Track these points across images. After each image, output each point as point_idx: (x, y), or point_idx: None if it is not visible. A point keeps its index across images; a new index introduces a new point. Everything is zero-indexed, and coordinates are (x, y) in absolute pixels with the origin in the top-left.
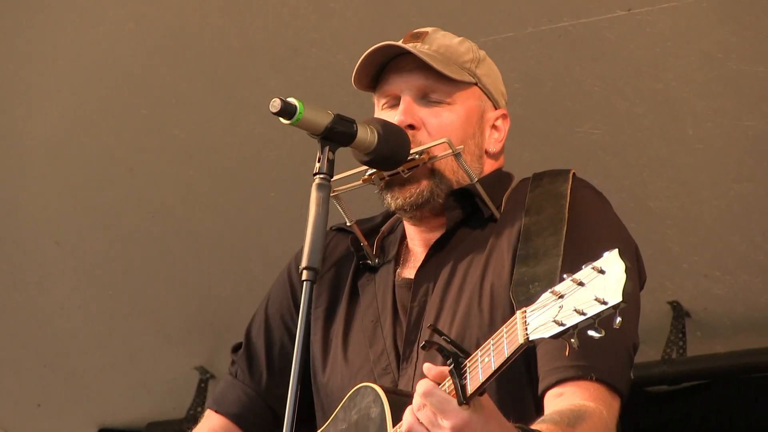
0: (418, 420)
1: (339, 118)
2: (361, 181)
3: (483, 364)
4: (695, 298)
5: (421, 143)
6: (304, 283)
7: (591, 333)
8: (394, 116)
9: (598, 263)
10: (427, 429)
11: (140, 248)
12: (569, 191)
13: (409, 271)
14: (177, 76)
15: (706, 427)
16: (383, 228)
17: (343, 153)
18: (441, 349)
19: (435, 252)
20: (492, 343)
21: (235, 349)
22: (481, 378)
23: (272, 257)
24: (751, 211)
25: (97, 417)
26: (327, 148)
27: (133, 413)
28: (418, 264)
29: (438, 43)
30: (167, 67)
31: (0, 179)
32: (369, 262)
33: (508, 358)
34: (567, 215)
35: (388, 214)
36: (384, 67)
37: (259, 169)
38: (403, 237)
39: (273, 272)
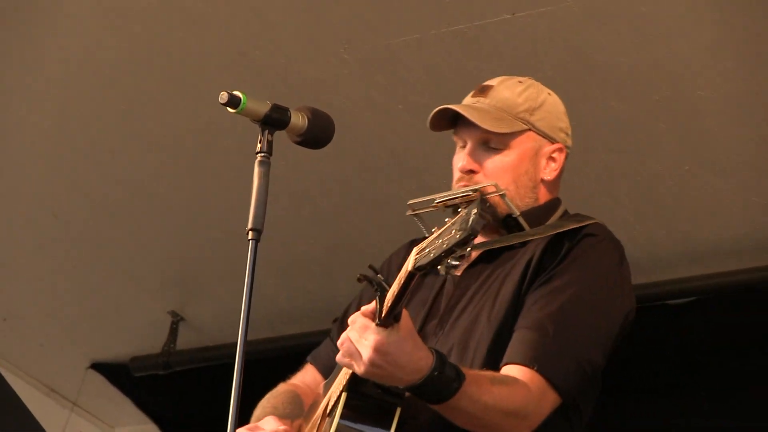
0: (349, 339)
1: (275, 107)
2: (431, 207)
3: (391, 293)
4: None
5: (478, 184)
6: (250, 242)
7: (452, 261)
8: (462, 157)
9: (463, 210)
10: (354, 345)
11: (121, 218)
12: (575, 226)
13: (462, 268)
14: (147, 77)
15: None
16: None
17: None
18: (366, 279)
19: (481, 260)
20: (398, 276)
21: (335, 320)
22: (389, 304)
23: (227, 223)
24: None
25: (90, 354)
26: (266, 132)
27: (118, 350)
28: (469, 263)
29: (498, 97)
30: (139, 69)
31: (6, 163)
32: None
33: (404, 284)
34: (551, 236)
35: None
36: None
37: (215, 151)
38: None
39: (228, 235)
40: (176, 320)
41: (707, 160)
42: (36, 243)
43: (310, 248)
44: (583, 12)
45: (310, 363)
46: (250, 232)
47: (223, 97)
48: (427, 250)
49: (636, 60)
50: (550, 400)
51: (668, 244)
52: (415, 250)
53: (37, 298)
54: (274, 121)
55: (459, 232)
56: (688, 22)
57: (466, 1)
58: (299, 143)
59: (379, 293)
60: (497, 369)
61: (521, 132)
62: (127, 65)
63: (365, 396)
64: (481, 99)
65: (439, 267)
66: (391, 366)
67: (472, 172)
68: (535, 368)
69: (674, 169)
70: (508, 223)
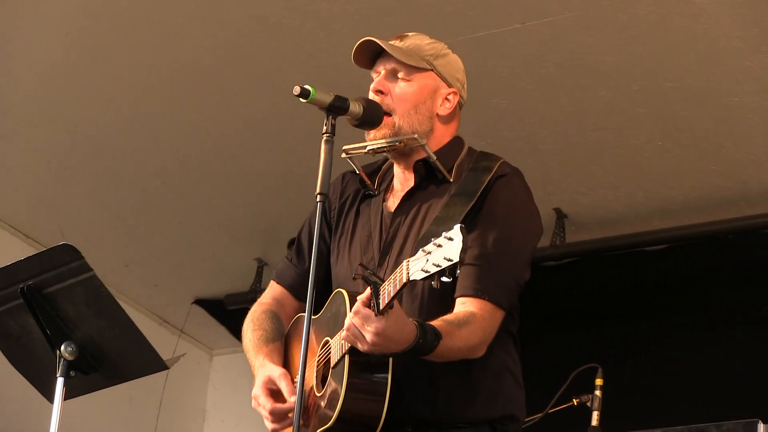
0: (354, 324)
1: (337, 97)
2: (365, 152)
3: (387, 291)
4: (570, 205)
5: (388, 106)
6: (318, 203)
7: (444, 279)
8: (375, 81)
9: (449, 233)
10: (359, 330)
11: (218, 183)
12: (490, 176)
13: (392, 204)
14: (236, 72)
15: (578, 288)
16: (384, 167)
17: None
18: (365, 279)
19: (408, 197)
20: (392, 278)
21: (290, 244)
22: (386, 300)
23: (303, 187)
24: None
25: (194, 292)
26: (330, 117)
27: (216, 289)
28: (398, 202)
29: (410, 42)
30: (231, 66)
31: (114, 139)
32: (371, 192)
33: (399, 290)
34: (478, 193)
35: (386, 159)
36: (377, 55)
37: (292, 130)
38: (393, 177)
39: (302, 196)
40: (261, 265)
41: (674, 136)
42: (148, 205)
43: None
44: (578, 22)
45: (276, 282)
46: (318, 195)
47: (296, 90)
48: (419, 265)
49: (619, 58)
50: (498, 316)
51: (645, 202)
52: (407, 261)
53: (151, 247)
54: (336, 108)
55: (447, 261)
56: (658, 29)
57: (485, 14)
58: (356, 126)
59: (374, 288)
60: (446, 296)
61: (424, 69)
62: (222, 64)
63: (364, 353)
64: (398, 42)
65: (433, 283)
66: (387, 343)
67: (381, 92)
68: (486, 298)
69: (649, 143)
70: (417, 167)
